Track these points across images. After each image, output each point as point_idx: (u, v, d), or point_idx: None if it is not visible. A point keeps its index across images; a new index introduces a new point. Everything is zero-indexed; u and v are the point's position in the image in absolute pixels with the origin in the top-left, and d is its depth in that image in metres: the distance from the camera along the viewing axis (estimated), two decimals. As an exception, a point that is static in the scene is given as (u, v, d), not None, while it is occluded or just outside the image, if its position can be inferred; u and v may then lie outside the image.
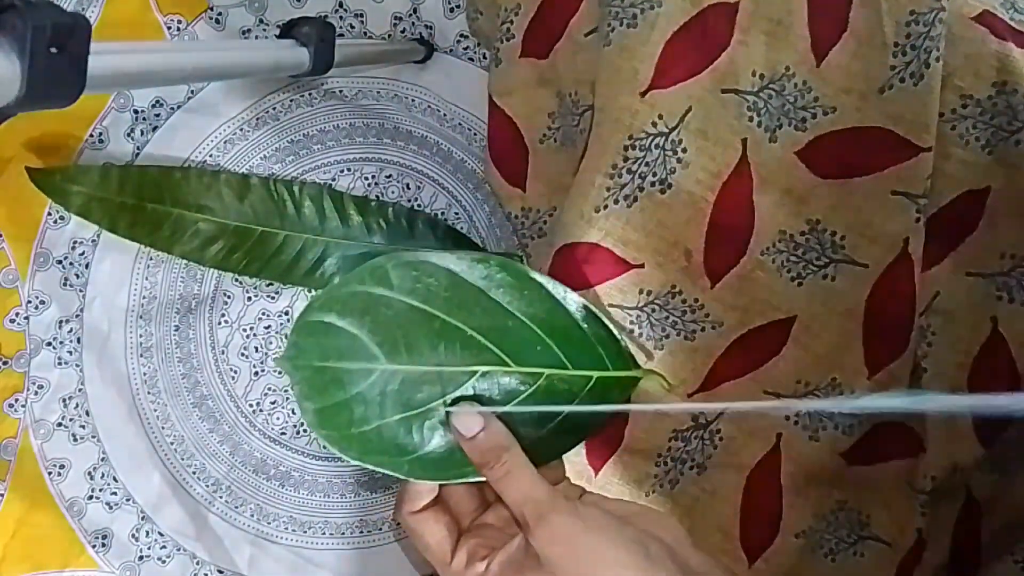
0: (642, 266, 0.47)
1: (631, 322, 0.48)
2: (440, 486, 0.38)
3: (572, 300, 0.40)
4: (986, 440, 0.44)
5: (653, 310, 0.47)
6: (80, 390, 0.70)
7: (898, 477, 0.46)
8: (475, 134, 0.69)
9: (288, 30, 0.55)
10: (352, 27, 0.69)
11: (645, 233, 0.46)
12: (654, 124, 0.45)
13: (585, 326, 0.40)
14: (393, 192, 0.69)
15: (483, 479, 0.37)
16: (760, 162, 0.45)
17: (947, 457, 0.44)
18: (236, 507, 0.69)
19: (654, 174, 0.46)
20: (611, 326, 0.41)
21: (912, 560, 0.45)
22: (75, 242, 0.70)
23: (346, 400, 0.37)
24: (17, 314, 0.70)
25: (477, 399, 0.39)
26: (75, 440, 0.70)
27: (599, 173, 0.46)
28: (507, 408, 0.39)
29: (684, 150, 0.45)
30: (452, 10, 0.68)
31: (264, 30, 0.69)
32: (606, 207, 0.47)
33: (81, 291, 0.70)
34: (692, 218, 0.46)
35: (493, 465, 0.37)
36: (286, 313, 0.69)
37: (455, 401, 0.38)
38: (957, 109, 0.43)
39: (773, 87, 0.45)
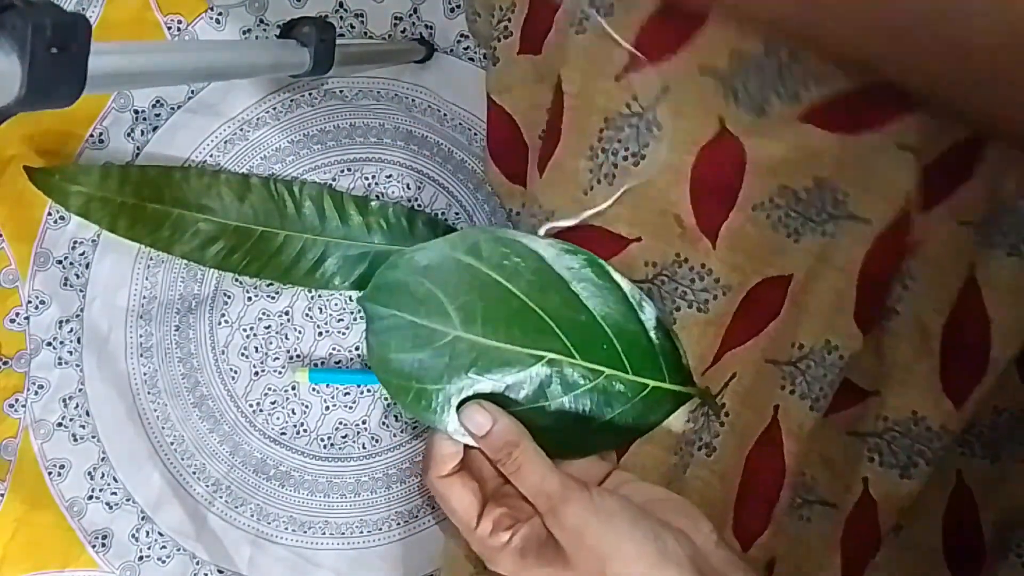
0: (640, 239, 0.47)
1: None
2: (465, 448, 0.39)
3: (647, 308, 0.41)
4: (953, 391, 0.42)
5: (663, 282, 0.46)
6: (80, 390, 0.70)
7: (839, 431, 0.45)
8: (475, 134, 0.69)
9: (288, 30, 0.55)
10: (352, 27, 0.69)
11: (633, 207, 0.46)
12: (628, 106, 0.45)
13: (653, 335, 0.41)
14: (393, 192, 0.69)
15: None
16: (744, 130, 0.44)
17: (901, 397, 0.43)
18: (236, 507, 0.69)
19: (627, 148, 0.45)
20: (678, 341, 0.41)
21: (863, 518, 0.44)
22: (75, 242, 0.70)
23: (415, 354, 0.38)
24: (17, 314, 0.70)
25: (501, 396, 0.39)
26: (75, 440, 0.70)
27: (581, 157, 0.47)
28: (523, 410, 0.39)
29: (659, 127, 0.45)
30: (452, 10, 0.68)
31: (264, 30, 0.69)
32: (592, 188, 0.47)
33: (81, 291, 0.70)
34: (673, 182, 0.45)
35: (505, 461, 0.37)
36: (286, 313, 0.69)
37: (463, 402, 0.38)
38: None
39: (750, 68, 0.44)
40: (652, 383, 0.41)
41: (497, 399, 0.39)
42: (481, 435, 0.38)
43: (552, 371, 0.39)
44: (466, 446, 0.39)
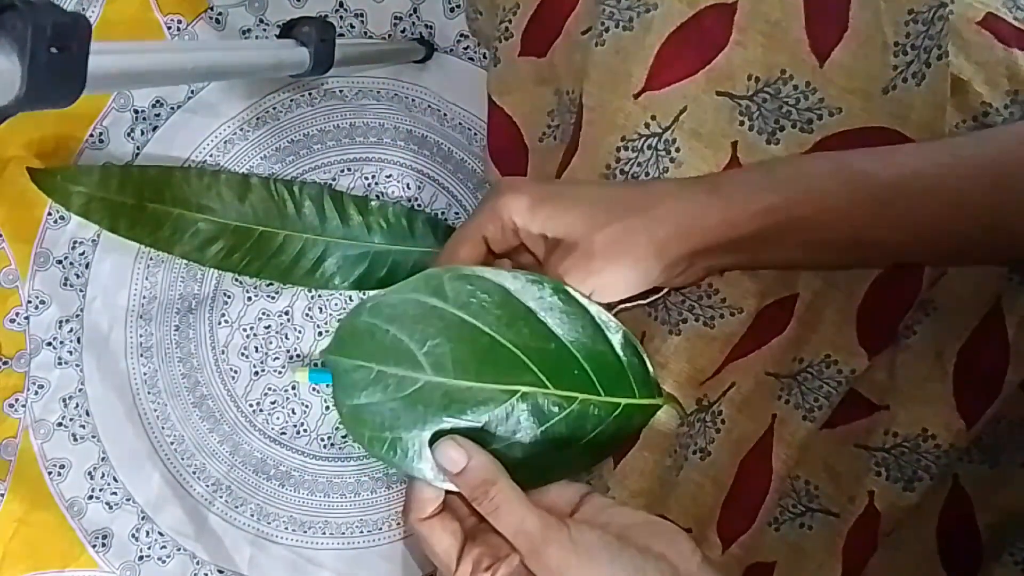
0: None
1: (648, 306, 0.47)
2: (446, 491, 0.39)
3: (614, 327, 0.40)
4: (967, 411, 0.42)
5: (669, 294, 0.47)
6: (80, 390, 0.70)
7: (845, 442, 0.45)
8: (475, 134, 0.69)
9: (288, 30, 0.55)
10: (352, 27, 0.69)
11: None
12: (647, 125, 0.45)
13: (621, 353, 0.40)
14: (393, 192, 0.69)
15: None
16: (755, 158, 0.45)
17: (912, 414, 0.43)
18: (236, 507, 0.69)
19: (647, 174, 0.45)
20: (644, 355, 0.41)
21: (865, 528, 0.45)
22: (75, 242, 0.70)
23: (386, 403, 0.37)
24: (17, 314, 0.70)
25: (482, 432, 0.39)
26: (75, 440, 0.70)
27: (594, 174, 0.46)
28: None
29: (677, 150, 0.45)
30: (452, 10, 0.68)
31: (264, 30, 0.69)
32: None
33: (81, 291, 0.70)
34: None
35: (481, 500, 0.37)
36: (286, 313, 0.69)
37: (436, 436, 0.38)
38: (979, 116, 0.43)
39: (768, 90, 0.44)
40: (624, 401, 0.41)
41: (473, 438, 0.38)
42: (456, 472, 0.37)
43: (526, 404, 0.39)
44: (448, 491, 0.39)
